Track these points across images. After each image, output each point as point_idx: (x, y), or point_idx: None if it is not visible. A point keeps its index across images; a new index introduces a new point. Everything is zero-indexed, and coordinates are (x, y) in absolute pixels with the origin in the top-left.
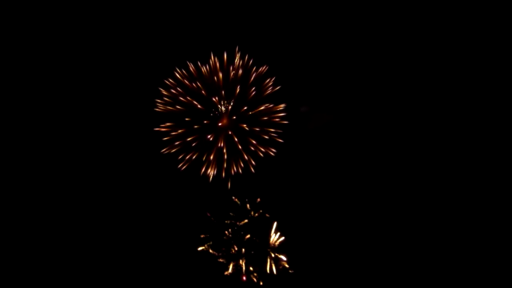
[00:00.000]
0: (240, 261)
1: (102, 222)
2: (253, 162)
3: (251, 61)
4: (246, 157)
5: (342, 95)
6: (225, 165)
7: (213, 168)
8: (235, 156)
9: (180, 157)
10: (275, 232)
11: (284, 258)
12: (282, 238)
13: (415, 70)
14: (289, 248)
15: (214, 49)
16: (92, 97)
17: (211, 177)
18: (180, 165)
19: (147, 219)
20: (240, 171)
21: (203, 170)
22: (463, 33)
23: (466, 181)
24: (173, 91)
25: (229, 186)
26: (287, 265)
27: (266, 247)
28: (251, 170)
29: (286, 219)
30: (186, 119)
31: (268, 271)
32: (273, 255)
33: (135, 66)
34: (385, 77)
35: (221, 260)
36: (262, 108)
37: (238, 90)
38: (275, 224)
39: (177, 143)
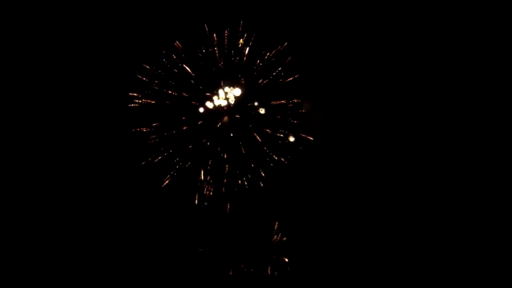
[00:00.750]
0: (241, 263)
1: (98, 224)
2: (263, 174)
3: (260, 41)
4: (254, 168)
5: (343, 93)
6: (225, 180)
7: (209, 187)
8: (239, 167)
9: (167, 167)
10: (277, 233)
11: (286, 259)
12: (284, 238)
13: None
14: (291, 249)
15: (212, 25)
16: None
17: (207, 196)
18: (165, 179)
19: (142, 220)
20: (246, 184)
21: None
22: (463, 33)
23: (466, 181)
24: (156, 80)
25: (228, 209)
26: (288, 267)
27: (267, 249)
28: (260, 185)
29: (288, 219)
30: (180, 118)
31: (269, 273)
32: (274, 257)
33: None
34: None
35: (220, 262)
36: (277, 103)
37: (243, 80)
38: (276, 224)
39: (162, 149)
